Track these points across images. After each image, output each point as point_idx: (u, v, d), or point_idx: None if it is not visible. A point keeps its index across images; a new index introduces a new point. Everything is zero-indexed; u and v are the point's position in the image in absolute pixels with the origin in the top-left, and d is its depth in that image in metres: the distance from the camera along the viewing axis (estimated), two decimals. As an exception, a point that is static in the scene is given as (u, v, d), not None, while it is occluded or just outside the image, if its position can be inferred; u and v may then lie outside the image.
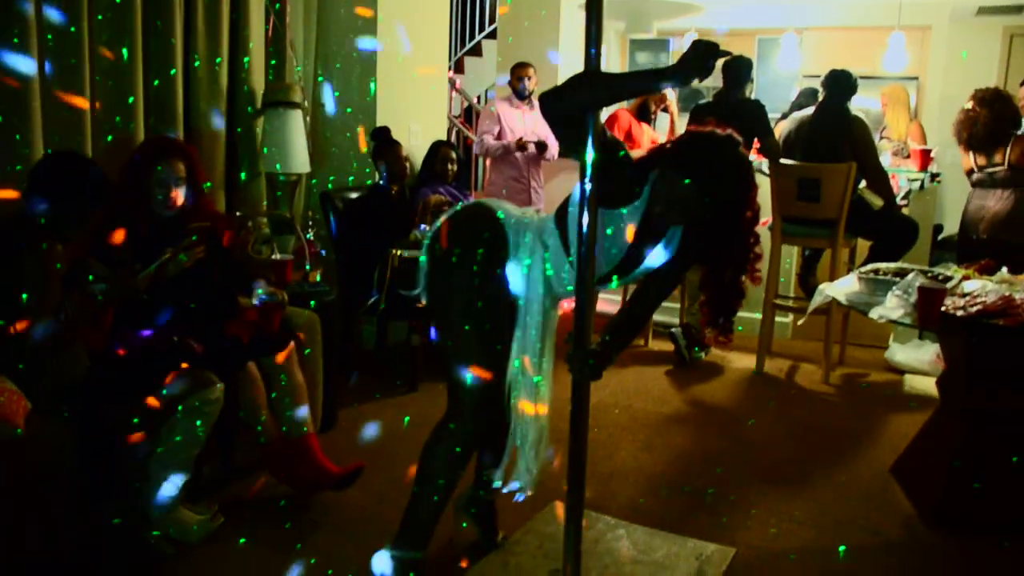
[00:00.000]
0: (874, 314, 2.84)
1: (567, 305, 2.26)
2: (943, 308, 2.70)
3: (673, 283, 2.42)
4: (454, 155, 4.71)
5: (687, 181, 2.08)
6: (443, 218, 2.30)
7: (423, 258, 2.31)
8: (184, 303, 2.80)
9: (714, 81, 4.97)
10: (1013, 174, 4.27)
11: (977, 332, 2.63)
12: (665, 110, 5.80)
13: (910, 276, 2.95)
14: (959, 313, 2.67)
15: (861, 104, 5.74)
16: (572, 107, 1.92)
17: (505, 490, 2.37)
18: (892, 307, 2.82)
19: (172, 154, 2.87)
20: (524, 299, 2.25)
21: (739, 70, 4.79)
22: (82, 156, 3.06)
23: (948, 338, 3.08)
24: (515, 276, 2.25)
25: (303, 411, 2.96)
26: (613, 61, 8.30)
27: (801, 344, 5.22)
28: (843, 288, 3.20)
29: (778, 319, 5.13)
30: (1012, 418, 2.88)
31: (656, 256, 2.26)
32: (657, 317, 5.33)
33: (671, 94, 5.45)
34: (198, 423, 2.60)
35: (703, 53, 1.85)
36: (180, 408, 2.56)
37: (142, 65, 3.61)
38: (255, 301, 2.96)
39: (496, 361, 2.26)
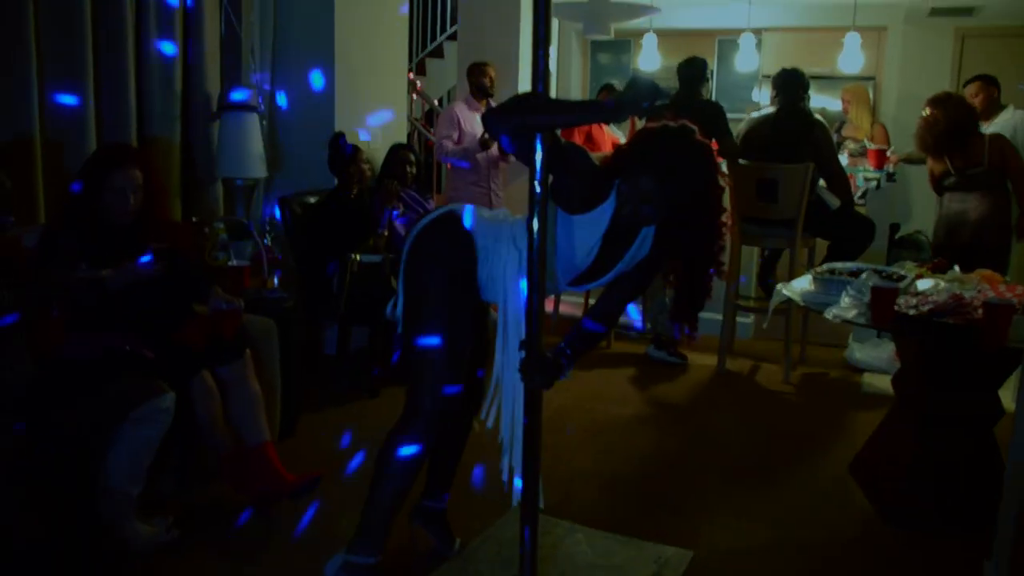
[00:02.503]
0: (828, 314, 2.86)
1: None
2: (896, 307, 2.72)
3: (641, 287, 2.42)
4: (413, 158, 4.69)
5: (649, 177, 2.08)
6: (417, 227, 2.30)
7: (402, 266, 2.31)
8: (138, 311, 2.77)
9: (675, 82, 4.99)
10: (990, 175, 4.33)
11: (928, 331, 2.66)
12: None
13: (864, 276, 2.97)
14: (911, 312, 2.69)
15: (819, 104, 5.82)
16: (515, 129, 1.93)
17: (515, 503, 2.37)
18: (846, 307, 2.84)
19: (127, 161, 2.82)
20: (503, 302, 2.25)
21: (693, 72, 4.80)
22: None
23: (901, 337, 3.11)
24: (490, 281, 2.26)
25: (259, 420, 2.93)
26: (575, 62, 8.33)
27: (762, 344, 5.26)
28: (799, 288, 3.22)
29: (739, 319, 5.17)
30: (963, 416, 2.91)
31: (628, 259, 2.27)
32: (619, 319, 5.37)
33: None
34: (149, 433, 2.56)
35: (641, 93, 1.90)
36: (130, 417, 2.52)
37: (92, 68, 3.57)
38: (211, 308, 2.93)
39: (459, 366, 2.26)
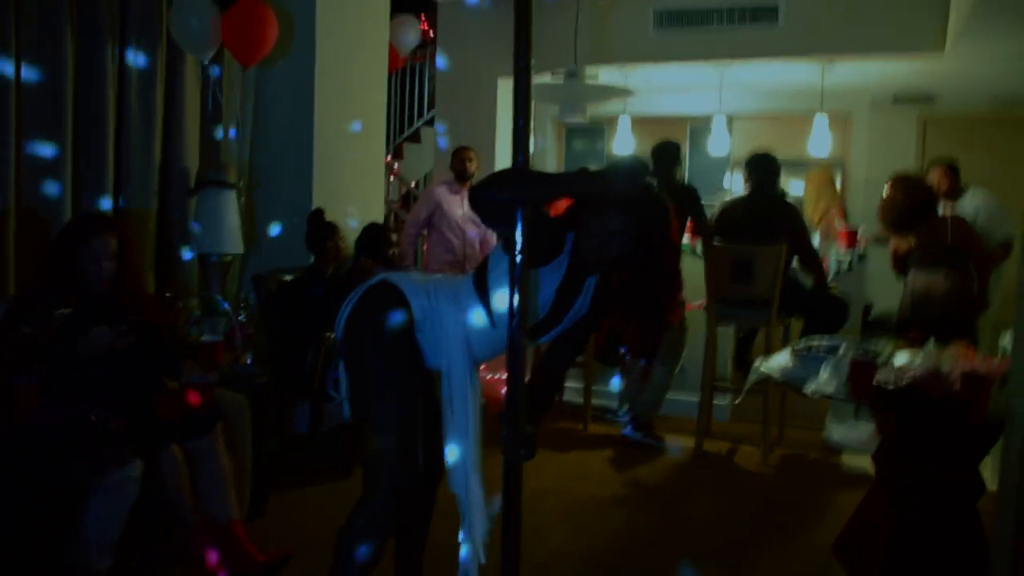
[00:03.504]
0: (807, 389, 2.85)
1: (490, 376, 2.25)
2: (875, 382, 2.72)
3: (585, 339, 2.43)
4: (394, 238, 4.69)
5: (617, 211, 2.13)
6: (349, 302, 2.29)
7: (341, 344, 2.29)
8: (110, 381, 2.72)
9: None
10: (954, 253, 4.40)
11: (907, 405, 2.65)
12: None
13: (842, 350, 2.97)
14: (890, 387, 2.69)
15: (790, 189, 5.93)
16: (500, 205, 1.94)
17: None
18: (825, 381, 2.84)
19: (103, 229, 2.82)
20: (447, 366, 2.22)
21: (667, 154, 4.87)
22: None
23: (880, 412, 3.10)
24: (435, 347, 2.23)
25: (228, 496, 2.84)
26: (550, 148, 8.46)
27: (739, 426, 5.22)
28: (777, 364, 3.21)
29: (716, 401, 5.14)
30: (945, 493, 2.88)
31: (573, 312, 2.28)
32: (596, 401, 5.33)
33: None
34: (117, 502, 2.47)
35: (630, 174, 1.94)
36: (97, 486, 2.44)
37: (72, 136, 3.57)
38: (183, 382, 2.87)
39: (413, 440, 2.21)
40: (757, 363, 3.31)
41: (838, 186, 7.00)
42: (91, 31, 3.66)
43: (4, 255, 3.37)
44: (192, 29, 3.84)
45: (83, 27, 3.64)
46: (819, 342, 3.24)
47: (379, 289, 2.27)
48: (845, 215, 6.29)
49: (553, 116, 8.15)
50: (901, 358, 2.99)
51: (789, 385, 3.39)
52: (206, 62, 4.04)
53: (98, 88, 3.68)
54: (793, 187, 6.71)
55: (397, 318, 2.21)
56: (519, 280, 1.95)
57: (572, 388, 5.50)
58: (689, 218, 4.79)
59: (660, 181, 4.84)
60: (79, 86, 3.63)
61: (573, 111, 5.00)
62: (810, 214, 6.43)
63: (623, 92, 5.43)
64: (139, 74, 3.87)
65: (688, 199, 4.76)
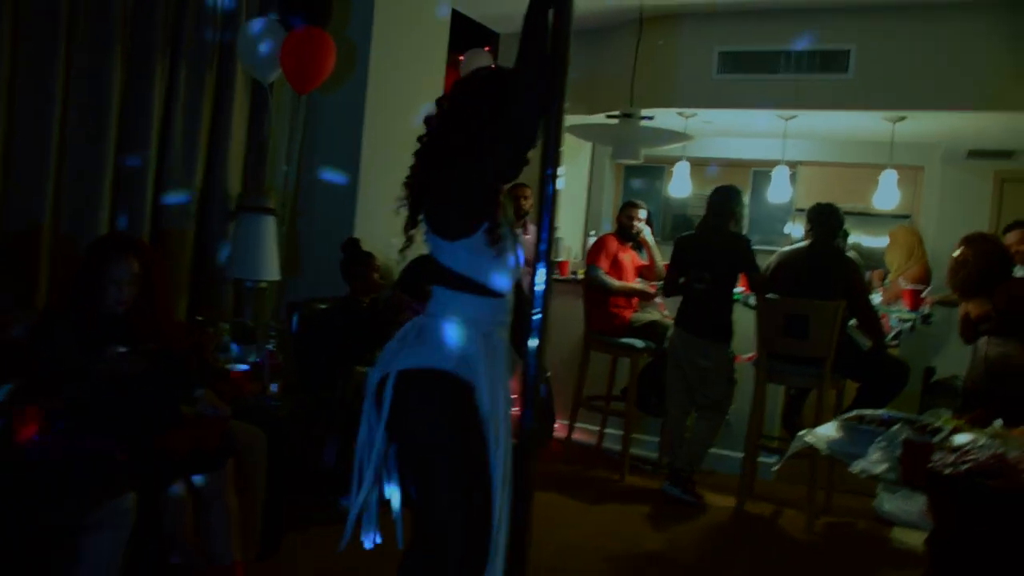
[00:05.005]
0: (856, 468, 2.65)
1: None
2: (930, 464, 2.50)
3: None
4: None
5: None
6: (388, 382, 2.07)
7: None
8: (123, 409, 2.63)
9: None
10: None
11: (967, 494, 2.42)
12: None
13: (895, 427, 2.75)
14: (947, 471, 2.46)
15: (853, 240, 5.69)
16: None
17: None
18: (875, 460, 2.63)
19: (126, 250, 2.77)
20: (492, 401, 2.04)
21: (724, 199, 4.62)
22: None
23: (936, 498, 2.86)
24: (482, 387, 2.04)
25: (231, 538, 2.73)
26: (608, 186, 8.35)
27: (785, 487, 4.95)
28: (824, 435, 3.00)
29: (762, 460, 4.89)
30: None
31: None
32: (634, 450, 5.13)
33: (642, 213, 5.33)
34: (110, 537, 2.37)
35: None
36: (88, 522, 2.33)
37: (113, 156, 3.55)
38: (195, 413, 2.78)
39: (487, 505, 1.97)
40: (802, 432, 3.10)
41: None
42: (142, 51, 3.64)
43: (37, 271, 3.35)
44: (259, 52, 3.81)
45: (134, 47, 3.63)
46: (871, 413, 3.02)
47: (425, 371, 2.06)
48: (928, 277, 5.95)
49: (609, 155, 8.04)
50: (962, 438, 2.76)
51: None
52: (267, 86, 4.00)
53: (144, 107, 3.66)
54: (856, 240, 6.47)
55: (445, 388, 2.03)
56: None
57: (612, 435, 5.31)
58: (741, 272, 4.57)
59: (711, 229, 4.64)
60: (125, 105, 3.61)
61: (626, 152, 4.85)
62: (894, 273, 6.13)
63: (679, 137, 5.26)
64: (186, 96, 3.84)
65: (740, 250, 4.54)
